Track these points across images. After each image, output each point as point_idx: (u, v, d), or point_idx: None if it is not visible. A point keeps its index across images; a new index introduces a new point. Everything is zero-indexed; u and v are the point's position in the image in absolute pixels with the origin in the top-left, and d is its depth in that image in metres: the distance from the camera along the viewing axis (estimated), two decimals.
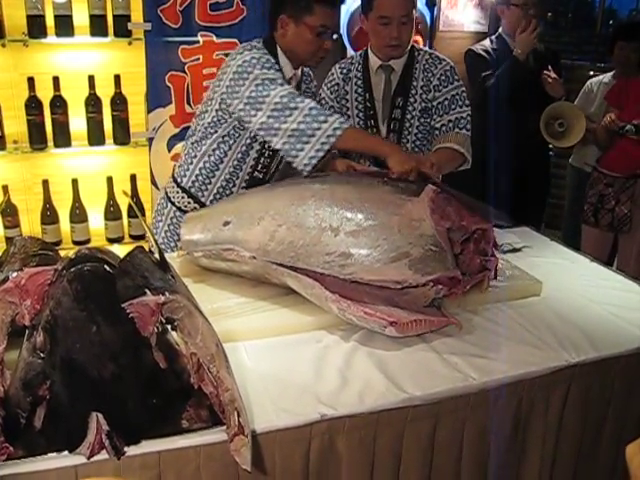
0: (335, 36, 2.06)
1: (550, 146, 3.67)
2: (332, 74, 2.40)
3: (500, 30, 3.32)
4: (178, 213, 2.26)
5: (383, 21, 2.17)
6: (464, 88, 2.31)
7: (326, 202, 1.72)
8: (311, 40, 2.01)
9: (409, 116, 2.29)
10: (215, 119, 2.10)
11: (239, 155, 2.15)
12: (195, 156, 2.19)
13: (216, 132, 2.12)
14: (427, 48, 2.40)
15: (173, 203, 2.27)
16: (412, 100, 2.29)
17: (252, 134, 2.07)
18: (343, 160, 2.20)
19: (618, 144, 3.19)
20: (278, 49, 2.07)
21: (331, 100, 2.37)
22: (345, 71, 2.37)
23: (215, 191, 2.20)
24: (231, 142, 2.13)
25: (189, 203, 2.23)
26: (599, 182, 3.31)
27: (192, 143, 2.21)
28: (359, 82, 2.34)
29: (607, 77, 3.59)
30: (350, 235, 1.64)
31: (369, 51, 2.33)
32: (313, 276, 1.62)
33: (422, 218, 1.67)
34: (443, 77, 2.27)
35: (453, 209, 1.72)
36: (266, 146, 2.11)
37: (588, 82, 3.69)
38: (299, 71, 2.16)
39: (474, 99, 2.98)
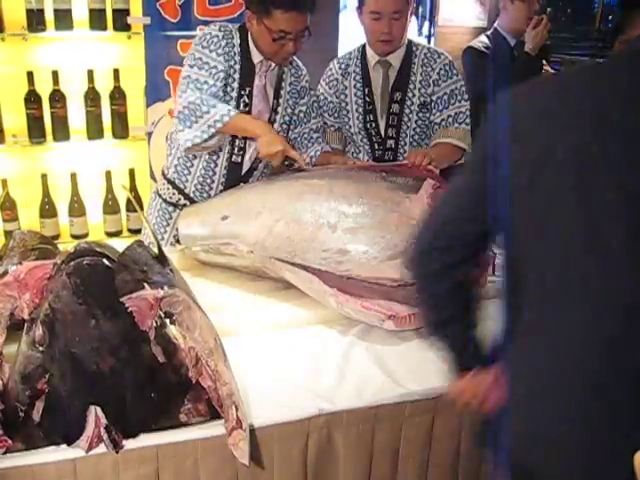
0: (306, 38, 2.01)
1: None
2: (330, 69, 2.39)
3: (496, 25, 3.30)
4: (164, 205, 2.27)
5: (374, 16, 2.17)
6: (463, 82, 2.31)
7: (324, 198, 1.72)
8: (269, 42, 1.96)
9: (407, 111, 2.30)
10: None
11: None
12: (174, 146, 2.19)
13: None
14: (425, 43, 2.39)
15: (160, 195, 2.28)
16: (410, 95, 2.29)
17: None
18: (341, 156, 2.21)
19: None
20: (250, 35, 2.04)
21: (330, 95, 2.37)
22: (344, 66, 2.37)
23: (195, 181, 2.18)
24: None
25: (174, 194, 2.23)
26: None
27: (171, 133, 2.21)
28: (358, 77, 2.34)
29: None
30: (348, 232, 1.64)
31: (367, 46, 2.33)
32: (311, 271, 1.62)
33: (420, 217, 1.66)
34: (442, 71, 2.27)
35: None
36: None
37: None
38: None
39: (476, 95, 2.98)
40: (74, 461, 1.15)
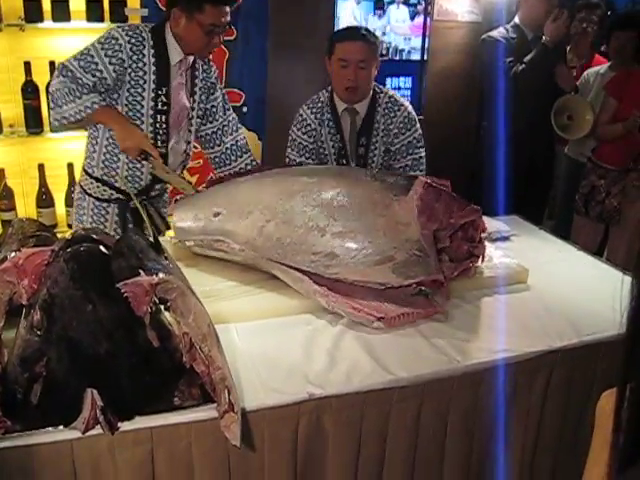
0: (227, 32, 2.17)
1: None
2: (305, 119, 2.45)
3: (516, 19, 3.36)
4: (97, 203, 2.29)
5: (342, 64, 2.29)
6: (420, 131, 2.44)
7: (314, 198, 1.73)
8: (200, 36, 2.08)
9: (371, 154, 2.44)
10: None
11: None
12: (94, 144, 2.22)
13: None
14: (387, 90, 2.48)
15: (90, 195, 2.30)
16: (374, 140, 2.42)
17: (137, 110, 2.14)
18: None
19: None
20: (168, 35, 2.12)
21: (307, 141, 2.44)
22: (319, 115, 2.44)
23: (125, 173, 2.21)
24: None
25: (105, 191, 2.26)
26: (592, 173, 3.34)
27: (89, 134, 2.25)
28: (331, 124, 2.44)
29: (604, 68, 3.61)
30: (336, 236, 1.66)
31: (334, 95, 2.42)
32: (301, 272, 1.66)
33: (408, 222, 1.68)
34: (401, 124, 2.41)
35: (442, 205, 1.72)
36: (158, 119, 2.15)
37: (585, 73, 3.71)
38: (191, 58, 2.21)
39: (490, 81, 3.05)
40: (71, 442, 1.18)
